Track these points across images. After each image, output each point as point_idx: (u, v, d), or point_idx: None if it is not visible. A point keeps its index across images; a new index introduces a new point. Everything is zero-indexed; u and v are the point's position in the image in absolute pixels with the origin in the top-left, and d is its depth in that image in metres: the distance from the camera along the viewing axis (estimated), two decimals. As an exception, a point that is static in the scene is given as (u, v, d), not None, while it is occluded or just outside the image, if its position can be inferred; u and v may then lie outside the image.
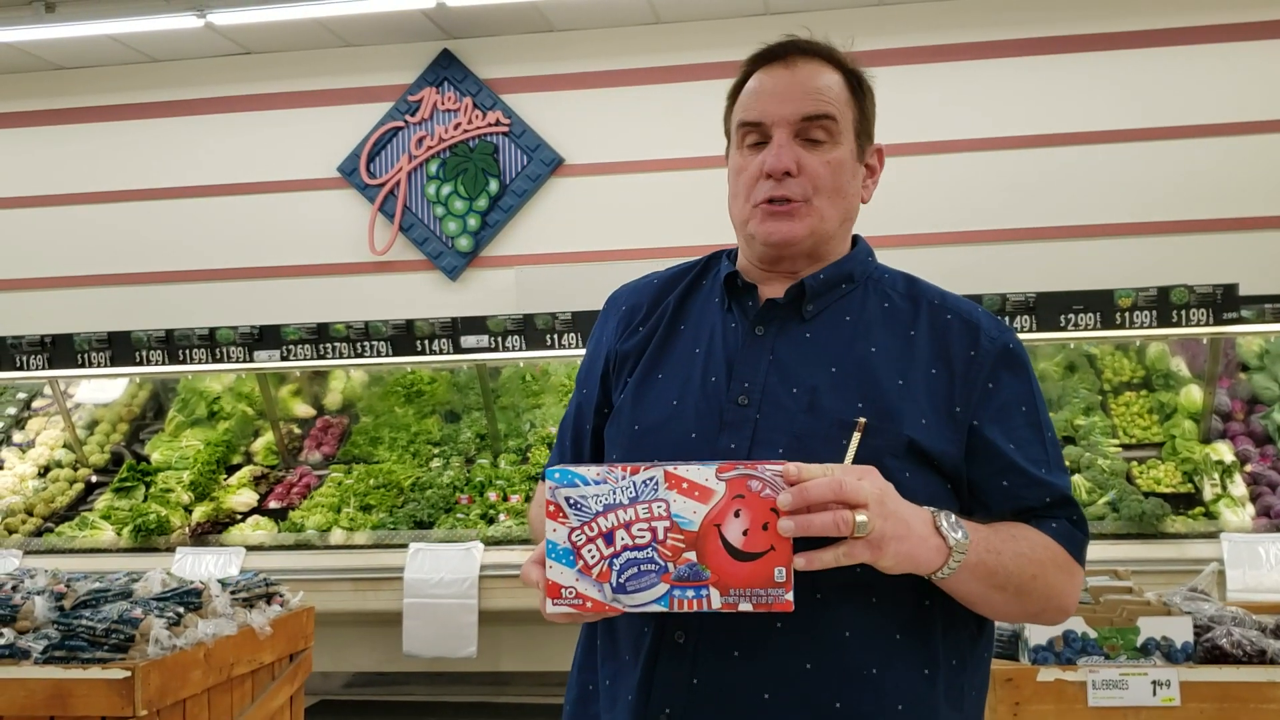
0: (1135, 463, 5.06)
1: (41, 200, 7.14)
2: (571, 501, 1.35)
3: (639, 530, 1.33)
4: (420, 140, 6.77)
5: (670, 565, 1.32)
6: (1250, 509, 4.71)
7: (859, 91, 1.65)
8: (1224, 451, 5.00)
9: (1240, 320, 4.83)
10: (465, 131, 6.72)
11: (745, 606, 1.31)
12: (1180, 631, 2.81)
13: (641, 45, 6.60)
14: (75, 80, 7.09)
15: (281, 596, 3.75)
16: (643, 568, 1.33)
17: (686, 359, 1.64)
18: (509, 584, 4.75)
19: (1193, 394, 5.25)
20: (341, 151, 6.85)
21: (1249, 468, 4.93)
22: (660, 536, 1.33)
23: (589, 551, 1.34)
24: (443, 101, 6.75)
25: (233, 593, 3.52)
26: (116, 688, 2.94)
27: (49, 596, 3.36)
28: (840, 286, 1.64)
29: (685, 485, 1.33)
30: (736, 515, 1.31)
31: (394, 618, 4.87)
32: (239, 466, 5.88)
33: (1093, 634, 2.82)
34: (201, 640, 3.21)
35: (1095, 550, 4.69)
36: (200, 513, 5.43)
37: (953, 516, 1.42)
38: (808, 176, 1.59)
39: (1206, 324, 4.84)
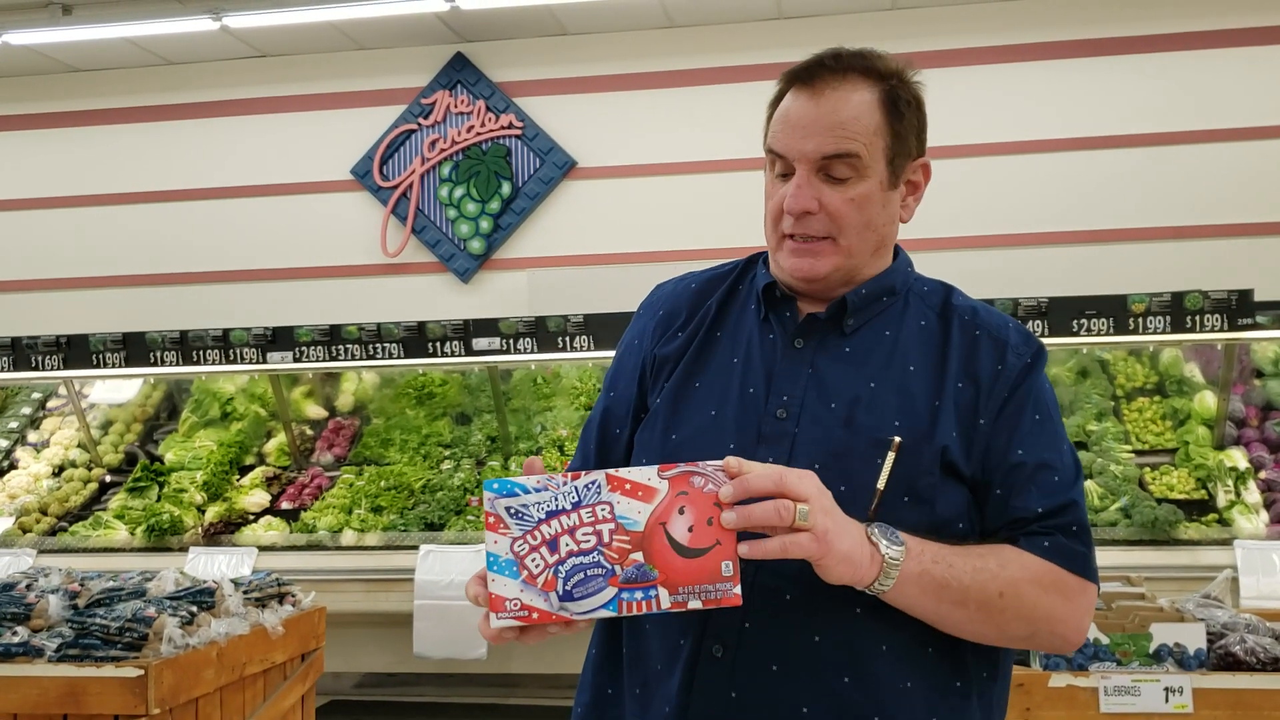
0: (1148, 469, 5.05)
1: (57, 202, 7.18)
2: (512, 511, 1.33)
3: (584, 535, 1.31)
4: (433, 143, 6.78)
5: (617, 568, 1.31)
6: (1264, 516, 4.69)
7: (895, 111, 1.59)
8: (1238, 458, 4.98)
9: (1255, 326, 4.81)
10: (478, 134, 6.74)
11: (694, 604, 1.30)
12: (1193, 638, 2.80)
13: (654, 49, 6.61)
14: (91, 82, 7.12)
15: (293, 596, 3.76)
16: (589, 572, 1.31)
17: (725, 369, 1.62)
18: (520, 586, 4.74)
19: (1206, 400, 5.23)
20: (355, 154, 6.87)
21: (1263, 474, 4.91)
22: (606, 539, 1.31)
23: (533, 561, 1.32)
24: (456, 104, 6.76)
25: (245, 592, 3.54)
26: (130, 686, 2.95)
27: (63, 595, 3.37)
28: (881, 299, 1.63)
29: (628, 486, 1.31)
30: (681, 512, 1.31)
31: (405, 619, 4.88)
32: (251, 467, 5.90)
33: (1105, 640, 2.81)
34: (214, 639, 3.22)
35: (1108, 556, 4.68)
36: (213, 513, 5.45)
37: (888, 529, 1.41)
38: (829, 215, 1.56)
39: (1221, 330, 4.82)
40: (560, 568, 1.31)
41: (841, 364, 1.58)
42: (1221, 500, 4.77)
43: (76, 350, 5.71)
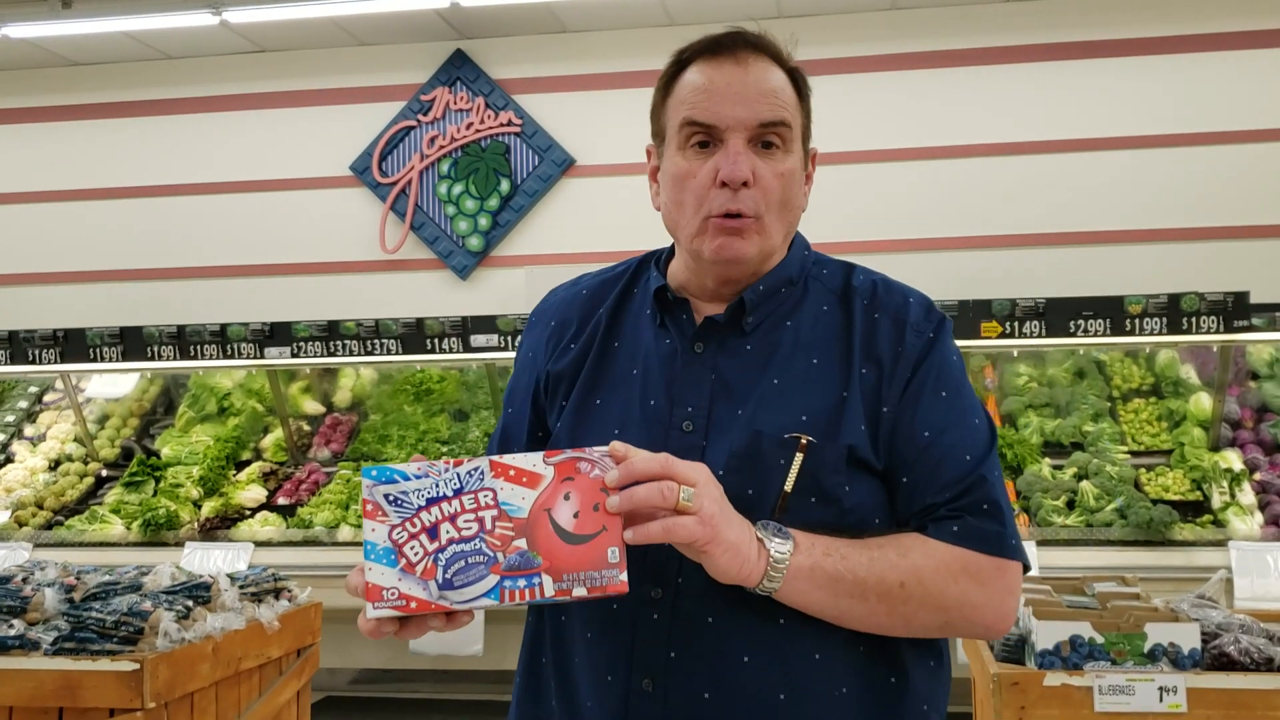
0: (1143, 470, 5.05)
1: (55, 195, 7.17)
2: (391, 498, 1.28)
3: (465, 522, 1.27)
4: (432, 140, 6.78)
5: (500, 555, 1.26)
6: (1259, 517, 4.70)
7: (802, 94, 1.55)
8: (1233, 460, 4.99)
9: (1251, 328, 4.82)
10: (477, 131, 6.74)
11: (579, 591, 1.26)
12: (1188, 638, 2.81)
13: (654, 47, 6.55)
14: (90, 76, 7.12)
15: (289, 592, 3.76)
16: (470, 560, 1.26)
17: (624, 381, 1.55)
18: (516, 583, 4.74)
19: (1202, 402, 5.24)
20: (354, 150, 6.86)
21: (1258, 476, 4.92)
22: (488, 526, 1.27)
23: (411, 549, 1.27)
24: (455, 101, 6.76)
25: (241, 587, 3.54)
26: (125, 680, 2.95)
27: (59, 589, 3.37)
28: (780, 292, 1.55)
29: (513, 472, 1.28)
30: (566, 498, 1.27)
31: (401, 615, 4.87)
32: (248, 462, 5.90)
33: (1100, 639, 2.81)
34: (210, 634, 3.22)
35: (1103, 556, 4.69)
36: (209, 508, 5.45)
37: (775, 525, 1.36)
38: (760, 189, 1.47)
39: (1217, 331, 4.83)
40: (440, 555, 1.27)
41: (744, 364, 1.51)
42: (1216, 501, 4.78)
43: (74, 344, 5.71)
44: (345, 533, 5.17)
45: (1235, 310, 4.79)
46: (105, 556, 4.99)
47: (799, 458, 1.42)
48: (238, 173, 6.98)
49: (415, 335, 5.40)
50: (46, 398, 6.59)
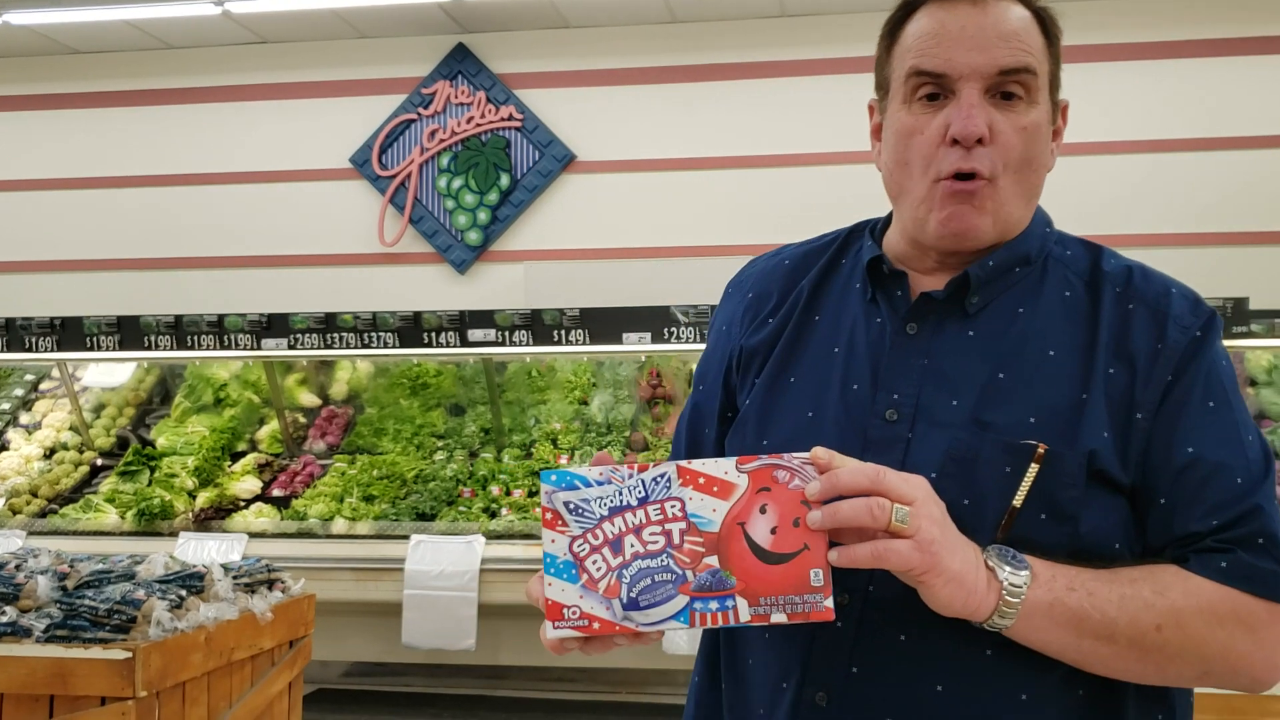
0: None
1: (54, 184, 7.16)
2: (571, 506, 1.17)
3: (651, 535, 1.15)
4: (433, 133, 6.77)
5: (689, 573, 1.14)
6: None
7: (1050, 36, 1.34)
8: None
9: (1250, 334, 4.81)
10: (478, 125, 6.73)
11: (779, 617, 1.13)
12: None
13: (657, 44, 6.60)
14: (91, 65, 7.10)
15: (283, 583, 3.75)
16: (657, 578, 1.15)
17: (823, 360, 1.37)
18: (509, 578, 4.75)
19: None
20: (354, 142, 6.86)
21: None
22: (676, 541, 1.15)
23: (594, 563, 1.16)
24: (456, 95, 6.75)
25: (235, 578, 3.53)
26: (117, 668, 2.95)
27: (52, 576, 3.37)
28: (1014, 271, 1.34)
29: (702, 480, 1.15)
30: (763, 511, 1.14)
31: (394, 608, 4.87)
32: (244, 454, 5.89)
33: None
34: (203, 624, 3.22)
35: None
36: (204, 499, 5.44)
37: (1009, 551, 1.17)
38: (999, 147, 1.28)
39: (1215, 337, 4.82)
40: (624, 571, 1.15)
41: (964, 351, 1.30)
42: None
43: (71, 333, 5.70)
44: (339, 525, 5.16)
45: (1234, 316, 4.79)
46: (99, 545, 4.98)
47: (1033, 468, 1.21)
48: (237, 163, 6.97)
49: (413, 329, 5.39)
50: (43, 386, 6.58)
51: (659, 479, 1.16)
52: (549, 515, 1.17)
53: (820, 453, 1.13)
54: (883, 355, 1.33)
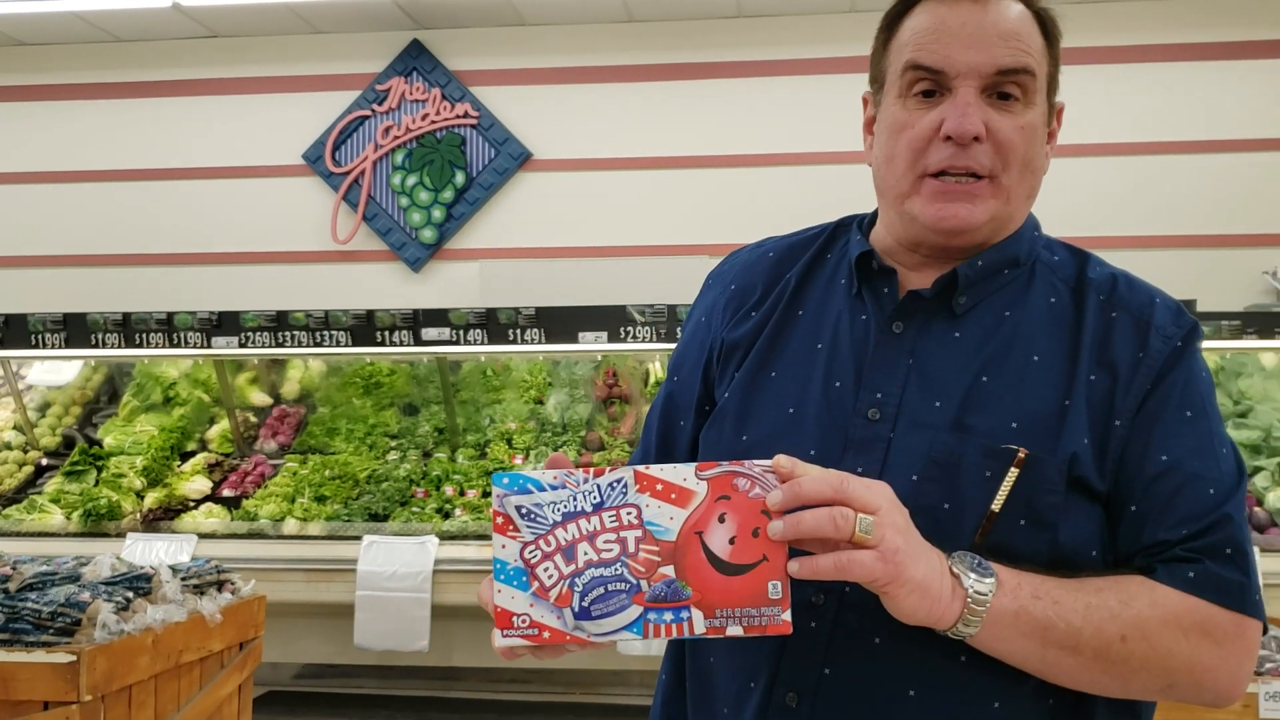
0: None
1: (-1, 177, 7.04)
2: (524, 511, 1.14)
3: (605, 543, 1.12)
4: (387, 130, 6.72)
5: (644, 583, 1.11)
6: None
7: (1050, 37, 1.34)
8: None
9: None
10: (433, 122, 6.69)
11: (734, 630, 1.10)
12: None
13: (613, 43, 6.60)
14: (38, 57, 6.97)
15: (233, 584, 3.71)
16: (610, 587, 1.12)
17: (805, 355, 1.36)
18: (463, 578, 4.72)
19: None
20: (307, 139, 6.79)
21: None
22: (631, 549, 1.12)
23: (545, 571, 1.13)
24: (411, 92, 6.71)
25: (183, 579, 3.48)
26: (61, 672, 2.89)
27: (-6, 578, 3.30)
28: (1002, 273, 1.34)
29: (660, 487, 1.12)
30: (721, 520, 1.11)
31: (346, 610, 4.83)
32: (193, 453, 5.82)
33: None
34: (150, 626, 3.17)
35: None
36: (152, 499, 5.36)
37: (973, 557, 1.16)
38: (997, 145, 1.27)
39: (1163, 339, 4.88)
40: (577, 580, 1.12)
41: (949, 352, 1.30)
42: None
43: (15, 330, 5.59)
44: (291, 526, 5.11)
45: (1181, 318, 4.85)
46: (44, 547, 4.89)
47: (1013, 473, 1.21)
48: (187, 159, 6.88)
49: (365, 327, 5.35)
50: (-14, 384, 6.46)
51: (615, 484, 1.13)
52: (500, 520, 1.14)
53: (783, 460, 1.11)
54: (867, 353, 1.32)
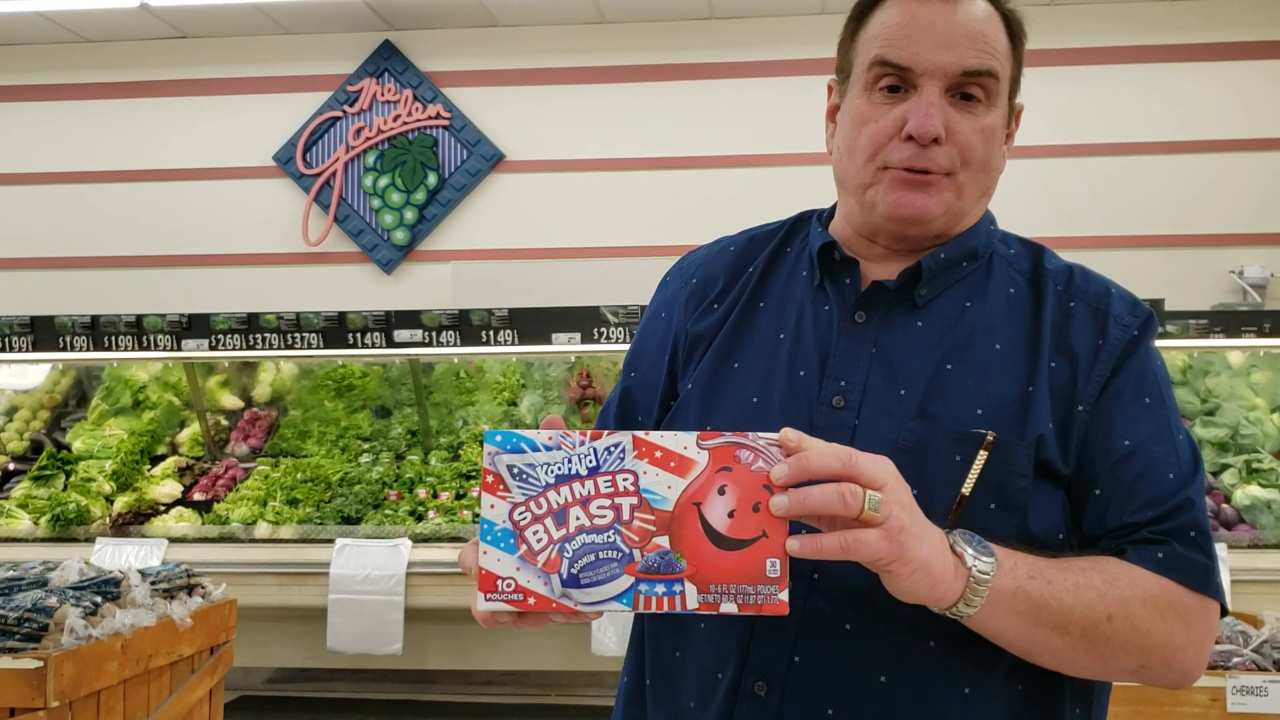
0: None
1: (-36, 179, 6.96)
2: (515, 471, 1.09)
3: (599, 508, 1.08)
4: (359, 131, 6.70)
5: (637, 553, 1.07)
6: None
7: (1015, 39, 1.36)
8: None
9: (1165, 335, 4.93)
10: (405, 124, 6.67)
11: (728, 607, 1.06)
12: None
13: (585, 44, 6.59)
14: (4, 58, 6.91)
15: (203, 588, 3.68)
16: (601, 555, 1.07)
17: (769, 345, 1.36)
18: (436, 581, 4.71)
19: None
20: (278, 140, 6.75)
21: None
22: (625, 516, 1.08)
23: (535, 534, 1.08)
24: (383, 93, 6.68)
25: (153, 583, 3.45)
26: (27, 678, 2.86)
27: (-40, 584, 3.27)
28: (962, 265, 1.36)
29: (659, 454, 1.08)
30: (721, 492, 1.07)
31: (319, 613, 4.81)
32: (163, 457, 5.77)
33: None
34: (119, 631, 3.14)
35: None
36: (122, 503, 5.31)
37: (974, 536, 1.14)
38: (957, 145, 1.30)
39: (1132, 338, 4.92)
40: (567, 545, 1.08)
41: (912, 342, 1.31)
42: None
43: (-19, 333, 5.53)
44: (263, 529, 5.08)
45: (1149, 317, 4.90)
46: (11, 552, 4.84)
47: (982, 456, 1.22)
48: (157, 160, 6.83)
49: (337, 329, 5.32)
50: (-48, 388, 6.39)
51: (612, 449, 1.09)
52: (490, 478, 1.10)
53: (790, 433, 1.07)
54: (830, 343, 1.33)
